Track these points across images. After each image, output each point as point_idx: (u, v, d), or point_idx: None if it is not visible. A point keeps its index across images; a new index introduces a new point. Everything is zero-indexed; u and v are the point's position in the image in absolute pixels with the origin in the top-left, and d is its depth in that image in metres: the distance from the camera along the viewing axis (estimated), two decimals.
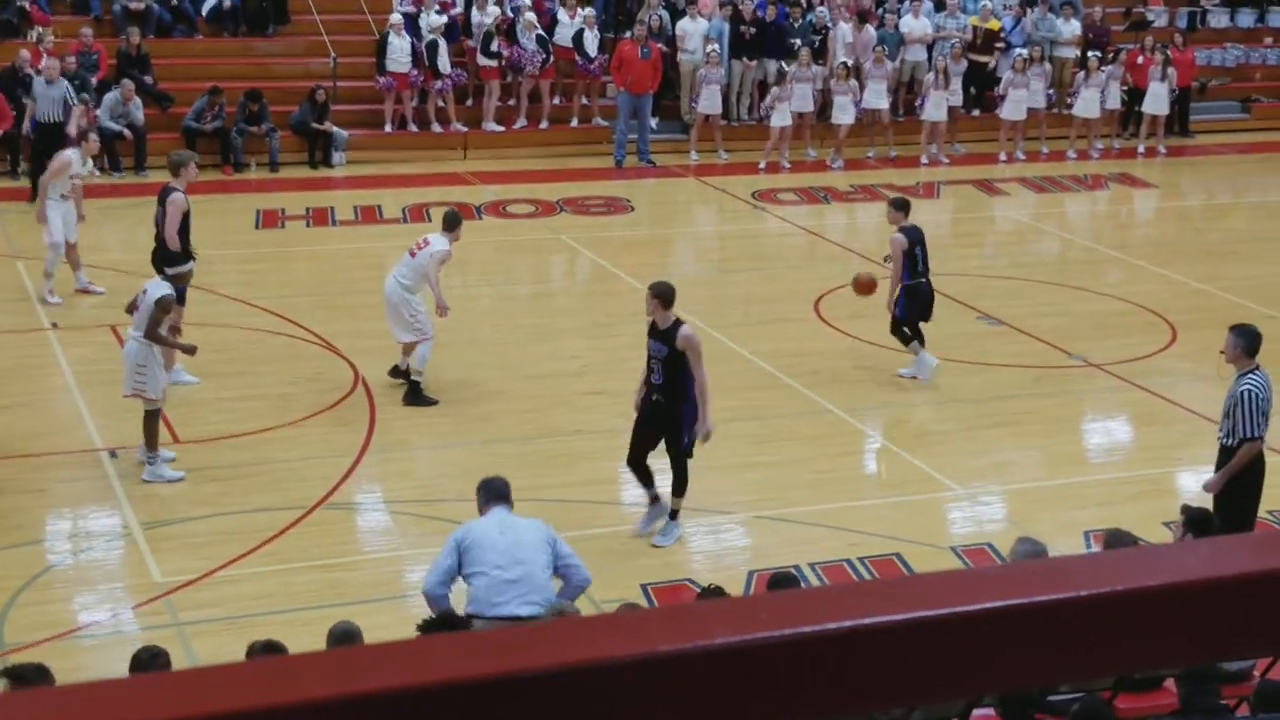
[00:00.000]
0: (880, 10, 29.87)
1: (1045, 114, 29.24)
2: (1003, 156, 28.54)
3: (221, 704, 1.26)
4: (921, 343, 16.30)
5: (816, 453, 14.57)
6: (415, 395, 15.36)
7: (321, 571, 11.96)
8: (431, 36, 26.70)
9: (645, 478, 12.58)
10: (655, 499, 12.62)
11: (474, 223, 22.92)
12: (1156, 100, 29.54)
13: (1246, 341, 11.40)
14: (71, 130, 21.96)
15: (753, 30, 28.36)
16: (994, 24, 30.14)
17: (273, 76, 27.20)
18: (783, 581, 9.80)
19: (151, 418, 13.41)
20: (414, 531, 12.89)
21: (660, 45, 27.54)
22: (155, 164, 23.28)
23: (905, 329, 16.22)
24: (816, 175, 26.82)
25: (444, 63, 26.80)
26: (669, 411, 12.30)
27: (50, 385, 15.92)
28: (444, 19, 27.03)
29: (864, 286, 16.41)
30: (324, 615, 10.39)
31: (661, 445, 12.49)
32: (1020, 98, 28.42)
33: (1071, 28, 30.47)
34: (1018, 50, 29.17)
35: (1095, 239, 24.09)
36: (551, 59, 27.45)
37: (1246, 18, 34.40)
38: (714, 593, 9.34)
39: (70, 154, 18.55)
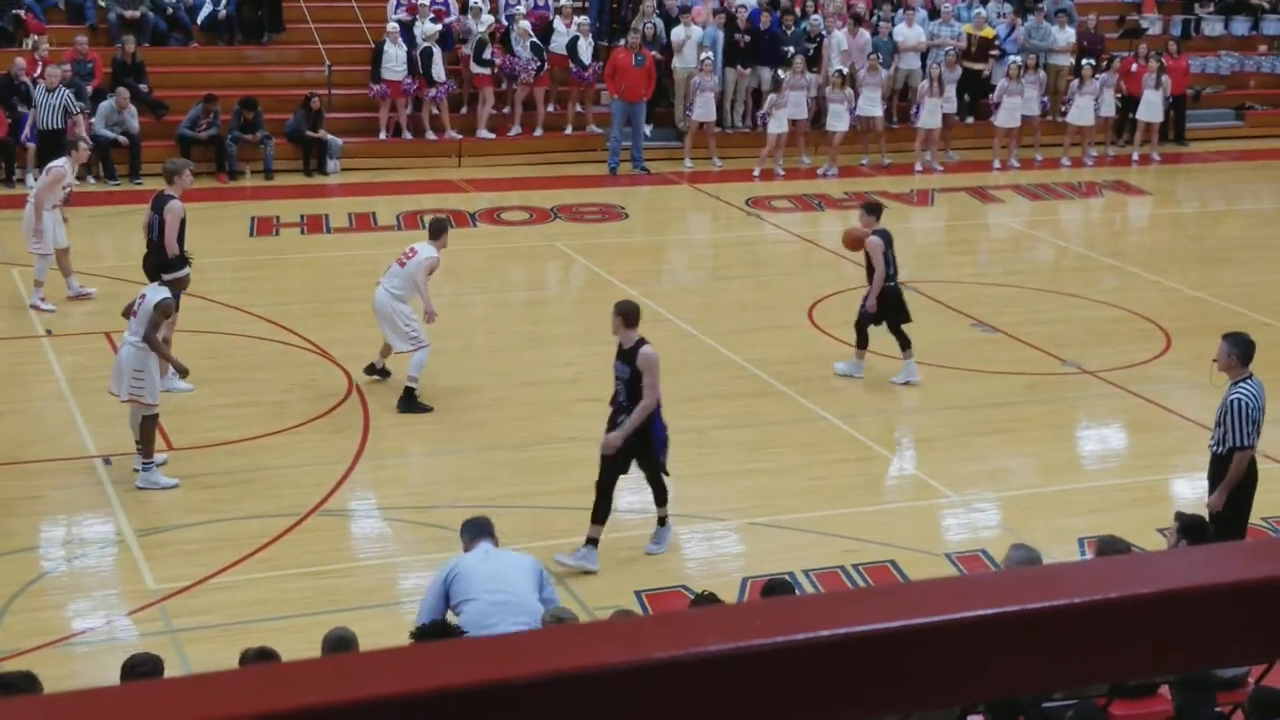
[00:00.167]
0: (874, 18, 29.89)
1: (1039, 121, 29.27)
2: (997, 164, 28.56)
3: (215, 711, 1.26)
4: (907, 345, 16.40)
5: (811, 460, 14.57)
6: (410, 402, 15.36)
7: (315, 578, 11.95)
8: (426, 44, 26.71)
9: (603, 506, 12.13)
10: (592, 540, 12.16)
11: (469, 230, 22.95)
12: (1151, 107, 29.58)
13: (1240, 350, 11.40)
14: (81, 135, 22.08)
15: (747, 38, 28.38)
16: (988, 31, 30.18)
17: (267, 84, 27.20)
18: (777, 588, 9.79)
19: (149, 423, 13.42)
20: (408, 538, 12.88)
21: (654, 53, 27.55)
22: (150, 172, 23.27)
23: (868, 330, 16.44)
24: (811, 182, 26.84)
25: (438, 70, 26.81)
26: (640, 439, 12.11)
27: (44, 392, 15.90)
28: (438, 27, 27.04)
29: (854, 242, 16.65)
30: (318, 622, 10.39)
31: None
32: (1014, 105, 28.44)
33: (1066, 35, 30.51)
34: (1012, 58, 29.19)
35: (1089, 246, 24.11)
36: (546, 66, 27.46)
37: (1241, 25, 34.44)
38: (708, 599, 9.33)
39: (63, 164, 18.56)
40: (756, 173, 26.86)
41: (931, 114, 27.99)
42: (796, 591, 10.81)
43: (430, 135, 27.19)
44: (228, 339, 17.37)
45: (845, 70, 27.77)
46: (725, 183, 26.55)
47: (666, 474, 12.37)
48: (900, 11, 29.92)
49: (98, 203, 23.18)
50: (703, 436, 14.99)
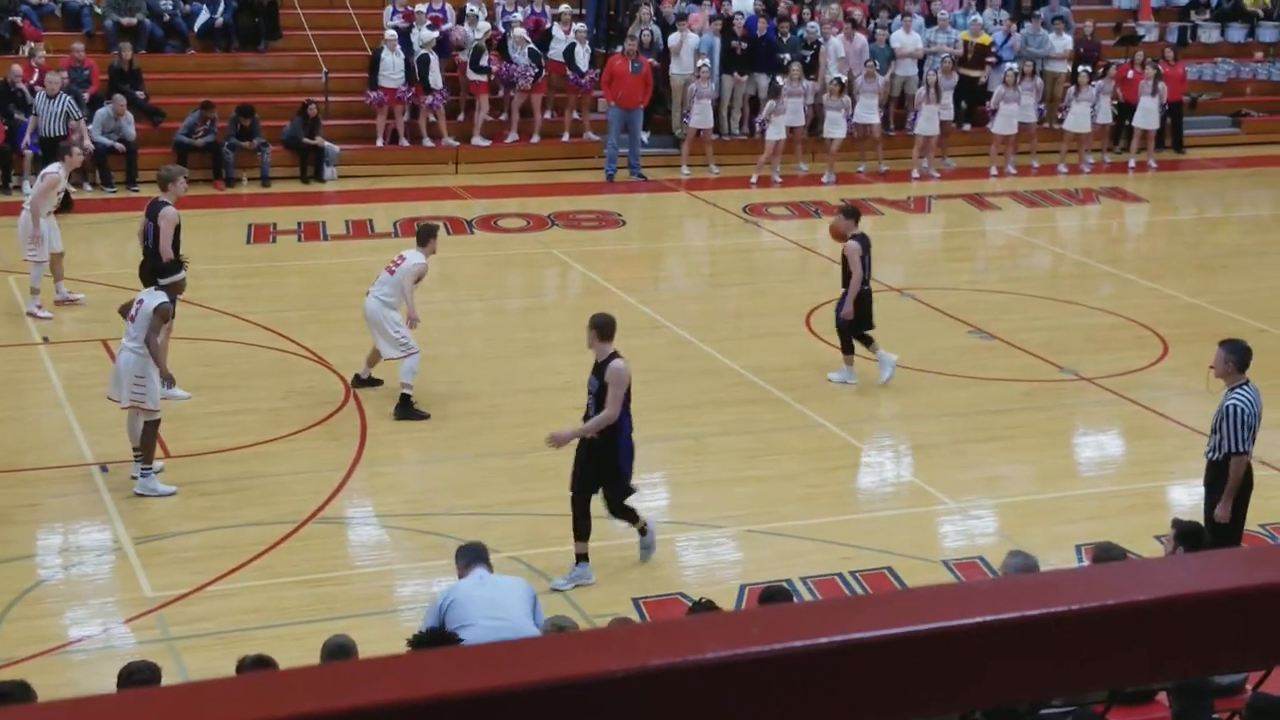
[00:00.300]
0: (871, 25, 29.91)
1: (1036, 128, 29.29)
2: (994, 171, 28.57)
3: (212, 719, 1.25)
4: (867, 345, 16.55)
5: (808, 467, 14.57)
6: (406, 409, 15.37)
7: (312, 586, 11.94)
8: (423, 51, 26.72)
9: (584, 525, 11.99)
10: (581, 556, 12.06)
11: (466, 237, 22.96)
12: (1147, 115, 29.60)
13: (1236, 356, 11.41)
14: (85, 144, 22.17)
15: (744, 45, 28.39)
16: (985, 38, 30.20)
17: (264, 91, 27.21)
18: (774, 596, 9.79)
19: (151, 429, 13.44)
20: (405, 546, 12.87)
21: (651, 60, 27.56)
22: (147, 179, 23.25)
23: (851, 334, 16.51)
24: (808, 189, 26.84)
25: (435, 78, 26.82)
26: (605, 454, 11.85)
27: (40, 400, 15.90)
28: (435, 34, 27.06)
29: (840, 234, 16.78)
30: (315, 630, 10.39)
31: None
32: (1011, 112, 28.46)
33: (1063, 42, 30.53)
34: (1009, 65, 29.21)
35: (1086, 253, 24.12)
36: (544, 73, 27.48)
37: (1237, 32, 34.48)
38: (705, 606, 9.33)
39: (57, 169, 18.57)
40: (754, 179, 26.88)
41: (929, 121, 28.01)
42: (794, 599, 10.81)
43: (427, 142, 27.20)
44: (225, 346, 17.36)
45: (844, 78, 27.79)
46: (722, 190, 26.56)
47: (632, 490, 12.13)
48: (899, 18, 29.94)
49: (94, 210, 23.20)
50: (700, 443, 15.00)
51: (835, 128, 27.45)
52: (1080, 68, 29.58)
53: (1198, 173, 30.19)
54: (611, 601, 11.59)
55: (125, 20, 26.83)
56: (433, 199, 25.10)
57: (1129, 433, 16.06)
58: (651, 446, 14.93)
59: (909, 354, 17.65)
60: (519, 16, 27.88)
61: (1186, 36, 33.88)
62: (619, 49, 27.54)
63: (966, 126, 29.96)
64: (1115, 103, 29.70)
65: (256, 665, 8.12)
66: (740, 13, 28.86)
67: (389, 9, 27.91)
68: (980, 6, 31.22)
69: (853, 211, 16.94)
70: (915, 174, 28.05)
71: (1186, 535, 9.77)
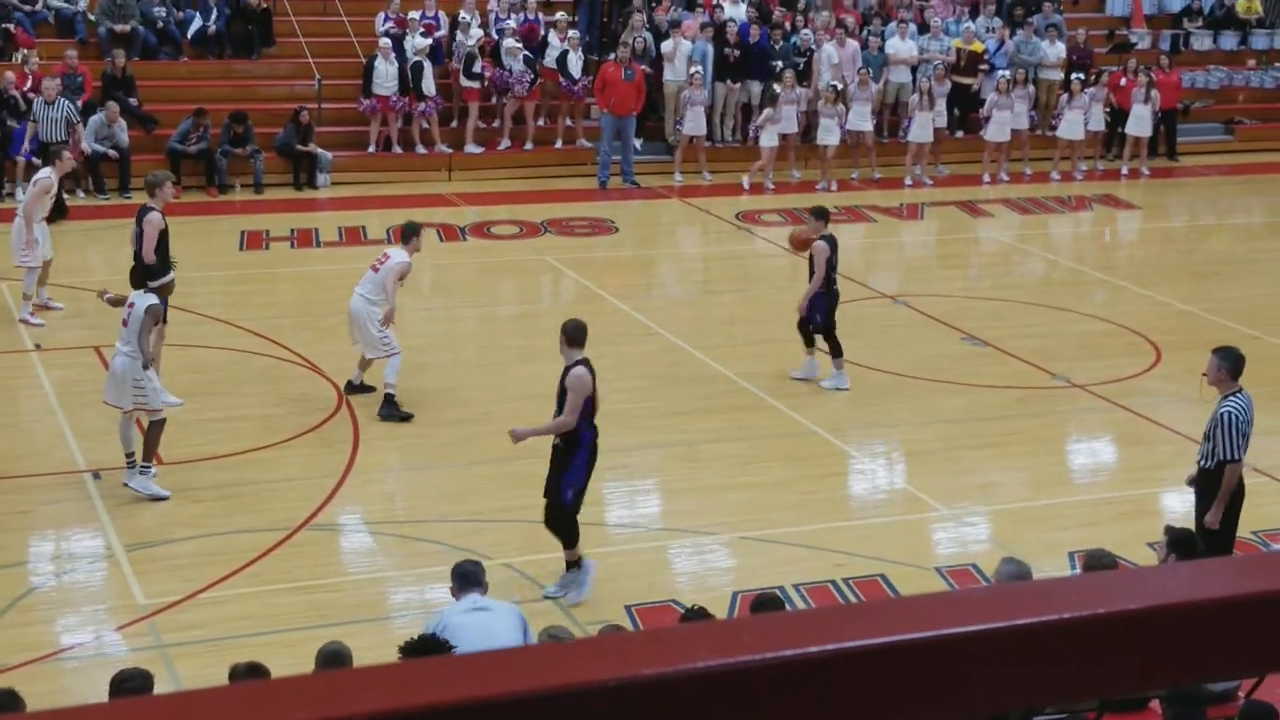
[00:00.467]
0: (864, 33, 29.93)
1: (1029, 135, 29.33)
2: (986, 178, 28.61)
3: None
4: (813, 347, 16.72)
5: (801, 474, 14.58)
6: (390, 408, 15.46)
7: (305, 593, 11.93)
8: (416, 58, 26.73)
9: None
10: (571, 564, 11.98)
11: (458, 244, 22.97)
12: (1139, 122, 29.64)
13: (1229, 364, 11.42)
14: (82, 148, 22.18)
15: (736, 53, 28.41)
16: (978, 46, 30.24)
17: (257, 98, 27.21)
18: (767, 603, 9.78)
19: (156, 428, 13.50)
20: (398, 553, 12.86)
21: (644, 67, 27.58)
22: (140, 186, 23.20)
23: (835, 335, 16.62)
24: (801, 196, 26.81)
25: (428, 85, 26.83)
26: (560, 459, 11.73)
27: (33, 407, 15.88)
28: (429, 41, 27.07)
29: (800, 244, 16.91)
30: (307, 637, 10.38)
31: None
32: (1004, 119, 28.50)
33: (1056, 50, 30.56)
34: (1001, 72, 29.25)
35: (1079, 260, 24.15)
36: (539, 80, 27.49)
37: (1229, 40, 34.53)
38: (698, 614, 9.33)
39: (48, 174, 18.57)
40: (745, 184, 26.88)
41: (922, 128, 28.04)
42: (787, 606, 10.81)
43: (420, 149, 27.20)
44: (217, 353, 17.35)
45: (839, 85, 27.82)
46: (715, 197, 26.57)
47: (571, 509, 11.79)
48: (893, 24, 29.96)
49: (87, 216, 23.19)
50: (693, 450, 15.00)
51: (829, 135, 27.47)
52: (1073, 75, 29.61)
53: (1190, 180, 30.23)
54: (604, 609, 11.58)
55: (118, 27, 26.82)
56: (426, 206, 25.07)
57: (1122, 440, 16.07)
58: (645, 453, 14.95)
59: (902, 361, 17.68)
60: (512, 24, 27.88)
61: (1179, 44, 33.93)
62: (612, 56, 27.55)
63: (959, 134, 29.99)
64: (1108, 110, 29.74)
65: (249, 672, 8.11)
66: (733, 20, 28.87)
67: (381, 15, 27.91)
68: (973, 14, 31.26)
69: (822, 212, 17.03)
70: (908, 181, 28.07)
71: (1179, 542, 9.78)
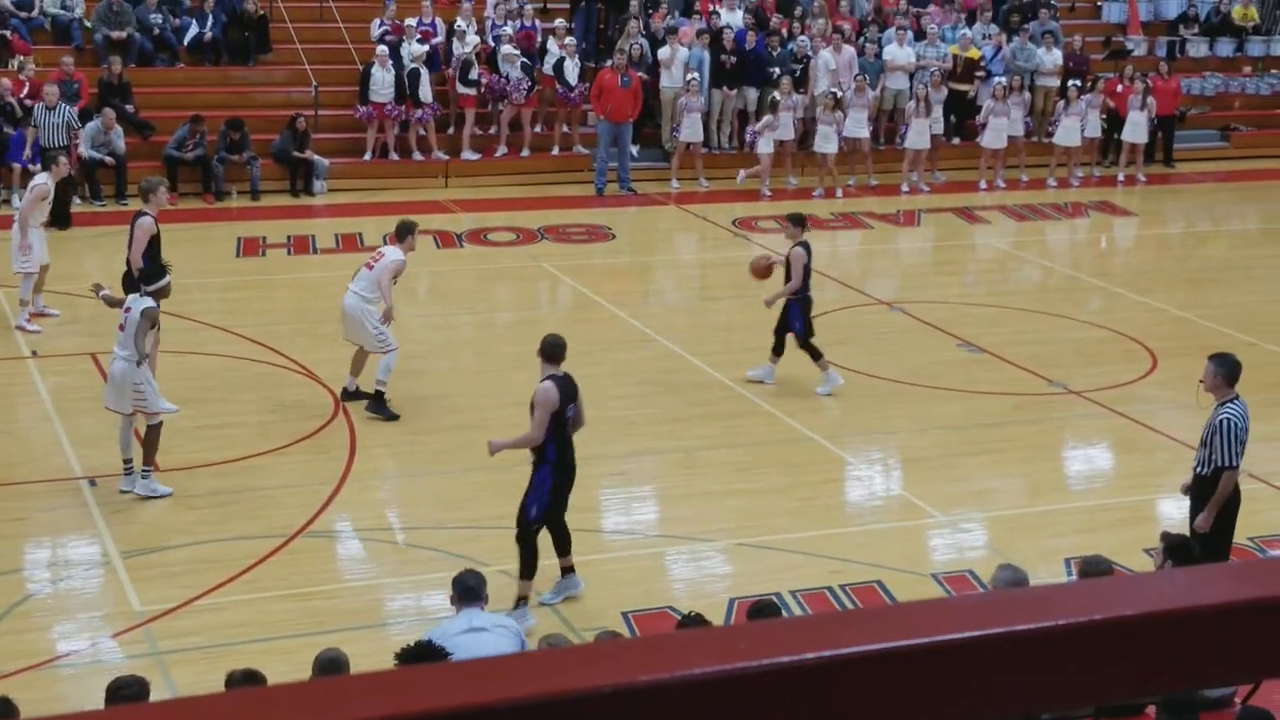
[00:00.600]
0: (861, 40, 29.94)
1: (1025, 142, 29.35)
2: (983, 184, 28.62)
3: None
4: (780, 352, 16.79)
5: (798, 480, 14.58)
6: (379, 405, 15.52)
7: (301, 600, 11.92)
8: (413, 65, 26.74)
9: (561, 540, 11.86)
10: (568, 569, 11.95)
11: (455, 250, 22.97)
12: (1135, 128, 29.66)
13: (1226, 370, 11.43)
14: (80, 153, 22.19)
15: (733, 59, 28.43)
16: (974, 53, 30.26)
17: (254, 105, 27.21)
18: (764, 610, 9.78)
19: (154, 431, 13.55)
20: (394, 559, 12.85)
21: (640, 74, 27.59)
22: (136, 193, 23.24)
23: (811, 342, 16.69)
24: (797, 203, 26.80)
25: (425, 92, 26.84)
26: (532, 475, 11.66)
27: (29, 413, 15.87)
28: (426, 48, 27.08)
29: (761, 271, 16.90)
30: (304, 644, 10.38)
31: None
32: (1001, 126, 28.51)
33: (1053, 57, 30.58)
34: (998, 78, 29.27)
35: (1076, 266, 24.16)
36: (536, 86, 27.50)
37: (1225, 47, 34.56)
38: (695, 620, 9.32)
39: (45, 180, 18.58)
40: (740, 178, 26.63)
41: (919, 134, 28.05)
42: (783, 613, 10.81)
43: (417, 156, 27.21)
44: (214, 360, 17.34)
45: (838, 93, 27.83)
46: (712, 203, 26.57)
47: (531, 528, 11.61)
48: (891, 31, 29.96)
49: (83, 223, 23.19)
50: (690, 457, 15.00)
51: (827, 142, 27.46)
52: (1070, 82, 29.64)
53: (1186, 186, 30.26)
54: (601, 615, 11.58)
55: (115, 34, 26.81)
56: (422, 212, 24.97)
57: (1118, 446, 16.08)
58: (641, 459, 14.96)
59: (899, 368, 17.69)
60: (508, 30, 27.89)
61: (1175, 51, 33.96)
62: (608, 63, 27.57)
63: (956, 140, 30.00)
64: (1104, 117, 29.76)
65: (245, 679, 8.11)
66: (729, 27, 28.89)
67: (376, 22, 27.93)
68: (970, 20, 31.27)
69: (799, 218, 17.06)
70: (905, 188, 28.08)
71: (1175, 549, 9.78)
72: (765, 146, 27.01)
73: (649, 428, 15.71)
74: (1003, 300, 21.23)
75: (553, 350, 11.70)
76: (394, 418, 15.57)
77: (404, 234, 15.81)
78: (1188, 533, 11.12)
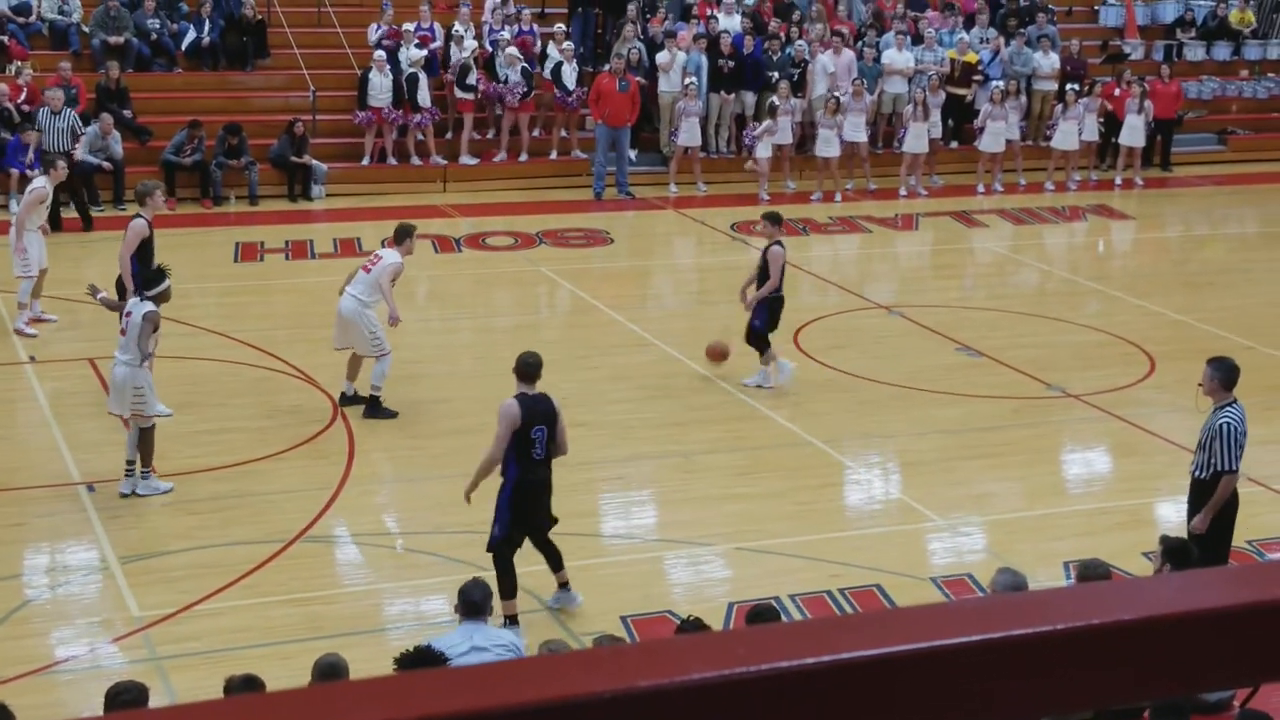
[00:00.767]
0: (859, 44, 29.95)
1: (1022, 146, 29.36)
2: (981, 188, 28.63)
3: None
4: (766, 350, 16.88)
5: (797, 484, 14.57)
6: (375, 409, 15.58)
7: (300, 605, 11.92)
8: (411, 70, 26.75)
9: (549, 557, 11.70)
10: (563, 584, 11.79)
11: (454, 255, 22.97)
12: (1132, 132, 29.68)
13: (1223, 374, 11.43)
14: (79, 157, 22.33)
15: (730, 64, 28.44)
16: (971, 57, 30.27)
17: (252, 110, 27.23)
18: (763, 614, 9.78)
19: (149, 434, 13.58)
20: (393, 564, 12.85)
21: (639, 78, 27.60)
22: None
23: (767, 340, 16.78)
24: (795, 207, 26.83)
25: (424, 96, 26.85)
26: (498, 494, 11.44)
27: (27, 419, 15.87)
28: (424, 53, 27.09)
29: (717, 355, 17.01)
30: (302, 649, 10.38)
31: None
32: (998, 130, 28.53)
33: (1050, 60, 30.60)
34: (995, 82, 29.29)
35: (1073, 270, 24.16)
36: (534, 91, 27.51)
37: (1222, 50, 34.58)
38: (694, 625, 9.32)
39: (43, 183, 18.58)
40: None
41: (917, 139, 28.06)
42: (782, 617, 10.80)
43: (415, 161, 27.21)
44: (212, 365, 17.33)
45: (839, 96, 27.83)
46: (710, 208, 26.58)
47: (493, 549, 11.40)
48: (890, 35, 29.97)
49: (81, 228, 23.17)
50: (689, 461, 15.00)
51: (828, 146, 27.45)
52: (1068, 86, 29.66)
53: (1184, 190, 30.28)
54: (600, 620, 11.57)
55: (112, 39, 26.82)
56: (421, 217, 24.95)
57: (1116, 449, 16.08)
58: (640, 464, 14.96)
59: (897, 372, 17.69)
60: (506, 35, 27.90)
61: (1172, 54, 33.97)
62: (606, 67, 27.58)
63: (954, 144, 30.01)
64: (1101, 120, 29.77)
65: (244, 685, 8.10)
66: (727, 31, 28.90)
67: (374, 27, 27.94)
68: (968, 25, 31.29)
69: (776, 218, 17.26)
70: (903, 191, 28.09)
71: (1173, 552, 9.78)
72: (763, 151, 27.02)
73: (647, 432, 15.71)
74: (1001, 304, 21.24)
75: (525, 369, 11.52)
76: (392, 415, 15.61)
77: (402, 237, 15.82)
78: (1185, 536, 11.13)
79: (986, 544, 13.54)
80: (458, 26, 27.66)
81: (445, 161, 27.31)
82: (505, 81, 27.20)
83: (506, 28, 28.25)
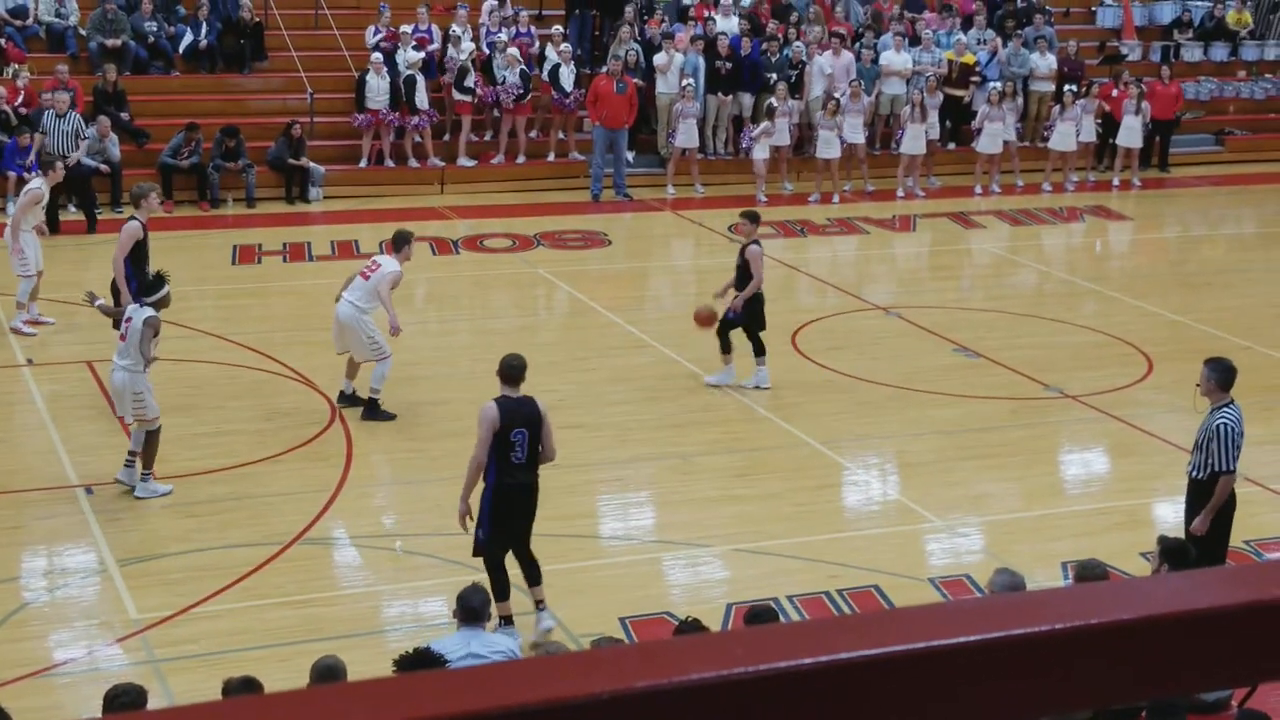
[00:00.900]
0: (857, 46, 29.95)
1: (1020, 147, 29.37)
2: (978, 189, 28.64)
3: None
4: (762, 352, 16.88)
5: (795, 485, 14.58)
6: (373, 411, 15.58)
7: (298, 607, 11.92)
8: (409, 72, 26.74)
9: (527, 572, 11.48)
10: (538, 601, 11.54)
11: (451, 257, 22.97)
12: (1130, 133, 29.69)
13: (1220, 375, 11.44)
14: (79, 159, 22.68)
15: (728, 65, 28.44)
16: (969, 58, 30.27)
17: (249, 113, 27.23)
18: (761, 615, 9.78)
19: (153, 436, 13.59)
20: (391, 567, 12.85)
21: (636, 80, 27.61)
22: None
23: (730, 336, 16.77)
24: (793, 209, 26.87)
25: (421, 98, 26.85)
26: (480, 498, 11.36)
27: (25, 422, 15.86)
28: (421, 55, 27.09)
29: (705, 319, 16.89)
30: (301, 651, 10.37)
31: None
32: (995, 131, 28.54)
33: (1047, 61, 30.61)
34: (993, 84, 29.30)
35: (1071, 271, 24.17)
36: (531, 93, 27.52)
37: (1220, 51, 34.60)
38: (692, 626, 9.32)
39: (39, 184, 18.58)
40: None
41: (914, 140, 28.06)
42: (781, 618, 10.80)
43: (413, 163, 27.21)
44: (210, 368, 17.33)
45: (839, 97, 27.83)
46: (707, 209, 26.58)
47: (478, 552, 11.29)
48: (888, 36, 29.97)
49: (78, 232, 23.16)
50: (687, 462, 15.00)
51: (829, 148, 27.44)
52: (1065, 87, 29.67)
53: (1181, 191, 30.29)
54: (598, 621, 11.57)
55: (110, 42, 26.81)
56: (419, 219, 25.02)
57: (1114, 450, 16.09)
58: (638, 465, 14.96)
59: (895, 372, 17.70)
60: (504, 37, 27.90)
61: (1170, 55, 33.99)
62: (603, 69, 27.58)
63: (951, 145, 30.03)
64: (1099, 121, 29.78)
65: (243, 687, 8.10)
66: (724, 33, 28.91)
67: (372, 29, 27.94)
68: (965, 26, 31.30)
69: (754, 216, 17.25)
70: (900, 193, 28.09)
71: (1171, 552, 9.79)
72: (761, 152, 27.02)
73: (645, 433, 15.71)
74: (998, 305, 21.24)
75: (508, 371, 11.44)
76: (391, 417, 15.62)
77: (401, 244, 15.80)
78: (1183, 536, 11.13)
79: (984, 544, 13.54)
80: (455, 29, 27.66)
81: (443, 163, 27.30)
82: (503, 83, 27.21)
83: (504, 30, 28.26)
